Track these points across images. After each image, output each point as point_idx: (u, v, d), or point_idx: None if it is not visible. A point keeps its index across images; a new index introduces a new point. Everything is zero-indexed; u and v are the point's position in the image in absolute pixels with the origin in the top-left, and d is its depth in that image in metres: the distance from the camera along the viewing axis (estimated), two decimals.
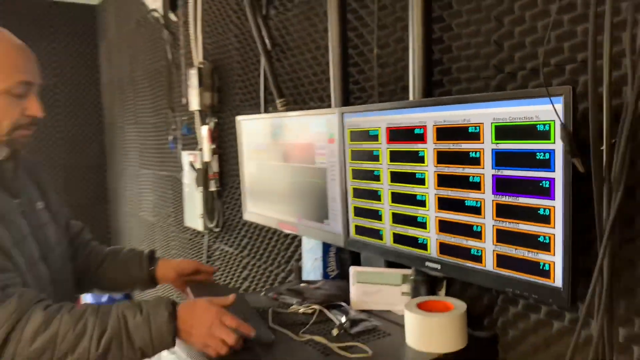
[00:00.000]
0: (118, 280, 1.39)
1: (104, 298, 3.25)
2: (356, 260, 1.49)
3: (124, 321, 0.98)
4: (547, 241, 0.91)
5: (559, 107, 0.85)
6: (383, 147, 1.24)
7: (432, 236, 1.15)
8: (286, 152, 1.63)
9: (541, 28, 1.06)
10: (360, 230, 1.37)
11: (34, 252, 1.12)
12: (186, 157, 2.64)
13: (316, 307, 1.37)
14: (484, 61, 1.19)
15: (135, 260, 1.38)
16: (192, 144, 2.62)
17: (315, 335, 1.20)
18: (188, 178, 2.65)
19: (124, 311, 0.99)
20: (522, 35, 1.10)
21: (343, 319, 1.28)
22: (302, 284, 1.57)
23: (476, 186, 1.03)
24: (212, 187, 2.43)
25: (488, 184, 1.01)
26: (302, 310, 1.37)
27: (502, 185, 0.98)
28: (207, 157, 2.40)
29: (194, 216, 2.63)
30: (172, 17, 2.64)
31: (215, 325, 1.01)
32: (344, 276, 1.51)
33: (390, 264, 1.38)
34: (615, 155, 0.68)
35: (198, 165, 2.46)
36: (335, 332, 1.22)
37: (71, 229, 1.39)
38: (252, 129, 1.82)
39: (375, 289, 1.38)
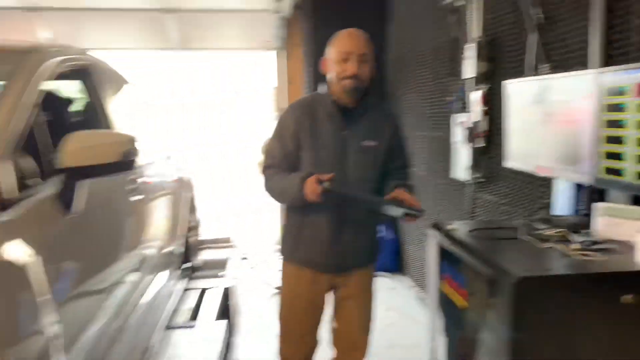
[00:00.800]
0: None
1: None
2: (602, 200, 1.75)
3: (288, 182, 1.79)
4: None
5: None
6: (631, 100, 1.50)
7: None
8: (546, 109, 1.96)
9: None
10: (607, 170, 1.64)
11: (333, 159, 1.81)
12: (457, 118, 3.13)
13: (562, 230, 1.71)
14: None
15: (390, 185, 1.86)
16: (464, 107, 3.09)
17: (556, 245, 1.57)
18: (457, 136, 3.14)
19: (289, 178, 1.79)
20: None
21: (584, 239, 1.59)
22: (552, 217, 1.91)
23: None
24: (479, 144, 2.87)
25: None
26: (548, 232, 1.73)
27: None
28: (476, 117, 2.84)
29: (460, 169, 3.12)
30: (458, 2, 3.13)
31: (309, 187, 1.70)
32: (591, 214, 1.78)
33: (634, 203, 1.61)
34: None
35: (468, 125, 2.93)
36: (576, 245, 1.55)
37: (395, 168, 1.93)
38: (518, 91, 2.19)
39: (617, 222, 1.62)
